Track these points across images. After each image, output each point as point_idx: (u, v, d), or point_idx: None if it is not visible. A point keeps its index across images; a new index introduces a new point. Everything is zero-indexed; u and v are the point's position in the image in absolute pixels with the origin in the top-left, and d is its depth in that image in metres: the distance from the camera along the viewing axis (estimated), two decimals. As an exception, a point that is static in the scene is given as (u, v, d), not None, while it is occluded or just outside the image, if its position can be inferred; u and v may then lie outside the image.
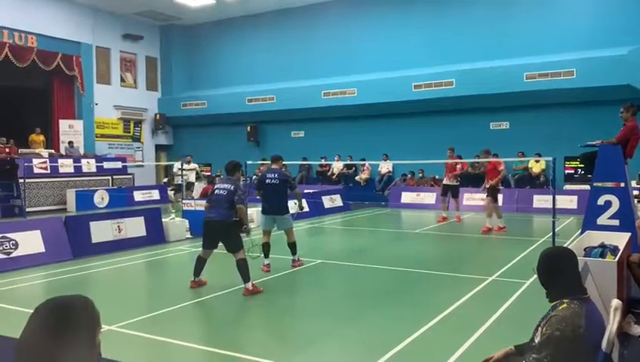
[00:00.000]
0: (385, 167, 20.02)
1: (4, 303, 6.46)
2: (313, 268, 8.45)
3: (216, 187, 7.30)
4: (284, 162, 8.92)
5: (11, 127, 19.28)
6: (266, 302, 6.60)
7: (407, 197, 18.34)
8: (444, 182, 14.07)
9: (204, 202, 11.32)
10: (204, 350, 4.96)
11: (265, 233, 8.33)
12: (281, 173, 8.41)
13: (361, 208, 17.71)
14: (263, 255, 8.16)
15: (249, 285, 6.75)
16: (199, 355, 4.86)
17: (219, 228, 6.91)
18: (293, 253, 8.48)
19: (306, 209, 9.33)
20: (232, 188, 7.00)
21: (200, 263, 7.14)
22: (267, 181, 8.24)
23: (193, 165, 18.45)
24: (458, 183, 14.01)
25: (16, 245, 8.60)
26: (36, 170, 17.17)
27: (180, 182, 17.35)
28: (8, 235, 8.59)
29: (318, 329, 5.49)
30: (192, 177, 18.18)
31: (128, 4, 21.86)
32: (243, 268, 6.77)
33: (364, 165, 20.33)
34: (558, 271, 2.80)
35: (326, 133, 21.82)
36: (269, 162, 8.82)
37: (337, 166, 20.87)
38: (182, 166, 16.46)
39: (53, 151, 19.86)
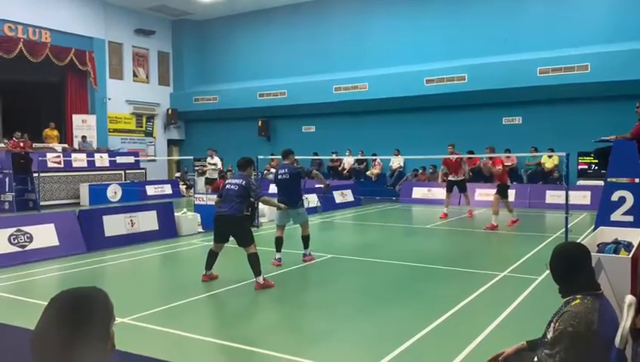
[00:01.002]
0: (396, 162, 19.96)
1: (19, 295, 6.55)
2: (324, 263, 8.47)
3: (227, 182, 7.35)
4: (295, 156, 8.93)
5: (26, 121, 19.51)
6: (277, 296, 6.63)
7: (418, 192, 18.28)
8: (450, 178, 13.93)
9: (214, 196, 11.37)
10: (217, 343, 5.00)
11: (278, 228, 8.37)
12: (291, 167, 8.43)
13: (372, 203, 17.69)
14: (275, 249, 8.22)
15: (260, 279, 6.79)
16: (212, 348, 4.90)
17: (230, 222, 6.95)
18: (305, 246, 8.52)
19: (330, 185, 9.45)
20: (243, 183, 7.05)
21: (212, 257, 7.19)
22: (279, 177, 8.35)
23: (216, 159, 18.41)
24: (464, 178, 13.85)
25: (30, 238, 8.71)
26: (50, 165, 17.33)
27: (214, 177, 17.53)
28: (23, 228, 8.70)
29: (330, 324, 5.51)
30: (214, 174, 18.11)
31: (141, -1, 21.96)
32: (254, 262, 6.81)
33: (375, 160, 20.29)
34: (572, 266, 2.78)
35: (337, 127, 21.79)
36: (279, 157, 8.90)
37: (348, 161, 20.84)
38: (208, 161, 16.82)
39: (66, 145, 20.05)
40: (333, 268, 8.28)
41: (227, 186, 7.15)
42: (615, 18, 16.57)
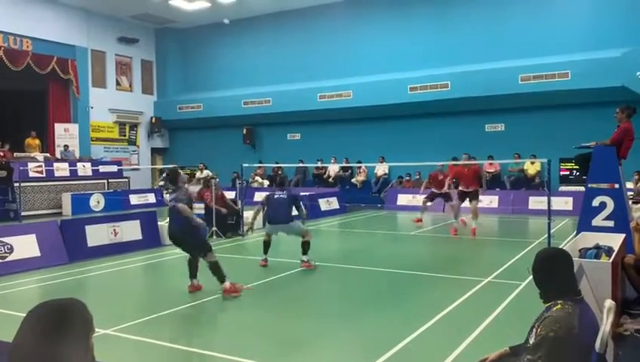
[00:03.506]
0: (381, 169, 20.04)
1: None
2: (309, 271, 8.45)
3: (170, 198, 7.29)
4: (279, 165, 9.16)
5: (7, 130, 19.24)
6: (261, 304, 6.60)
7: (403, 199, 18.35)
8: (460, 188, 12.28)
9: (199, 205, 11.27)
10: (200, 353, 4.96)
11: (267, 234, 8.76)
12: (290, 193, 9.13)
13: (358, 210, 17.70)
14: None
15: (227, 285, 6.80)
16: (195, 358, 4.85)
17: (180, 238, 6.96)
18: (304, 252, 8.61)
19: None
20: (179, 196, 6.95)
21: (191, 266, 7.15)
22: (275, 197, 8.79)
23: (206, 173, 18.42)
24: (478, 189, 12.30)
25: (11, 249, 8.57)
26: (32, 174, 17.10)
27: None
28: (3, 239, 8.56)
29: (314, 331, 5.49)
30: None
31: (123, 7, 21.84)
32: (215, 269, 6.82)
33: (360, 167, 20.35)
34: (553, 272, 2.81)
35: (322, 135, 21.84)
36: (268, 165, 9.21)
37: (333, 168, 20.88)
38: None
39: (48, 154, 19.79)
40: (318, 275, 8.27)
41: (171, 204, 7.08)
42: (595, 26, 16.88)
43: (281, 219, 8.60)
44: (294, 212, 8.85)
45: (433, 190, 13.24)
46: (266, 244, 8.69)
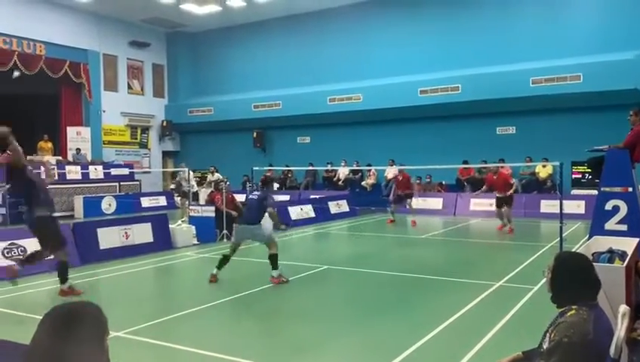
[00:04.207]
0: (391, 172, 19.97)
1: (13, 309, 6.49)
2: (319, 275, 8.44)
3: None
4: (289, 168, 9.11)
5: (20, 134, 19.38)
6: (271, 308, 6.60)
7: (413, 202, 18.25)
8: (497, 195, 13.12)
9: (210, 208, 11.32)
10: (211, 356, 4.96)
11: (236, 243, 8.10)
12: (262, 193, 8.14)
13: (368, 213, 17.68)
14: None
15: (65, 286, 6.95)
16: (205, 361, 4.86)
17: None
18: (273, 266, 7.79)
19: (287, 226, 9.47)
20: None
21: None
22: (250, 197, 8.74)
23: (217, 176, 18.48)
24: (511, 193, 13.24)
25: (24, 251, 8.65)
26: (44, 177, 17.23)
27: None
28: (17, 242, 8.65)
29: (324, 335, 5.49)
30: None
31: (135, 11, 22.01)
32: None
33: (370, 170, 20.31)
34: (571, 277, 2.78)
35: (332, 138, 21.84)
36: (279, 168, 9.13)
37: (343, 171, 20.86)
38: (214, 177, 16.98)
39: (61, 158, 19.98)
40: (328, 279, 8.26)
41: None
42: (607, 28, 16.75)
43: (249, 220, 7.81)
44: (269, 220, 8.03)
45: (497, 195, 13.25)
46: (226, 258, 7.81)
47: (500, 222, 13.32)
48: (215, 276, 7.72)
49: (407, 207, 15.20)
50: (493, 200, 13.40)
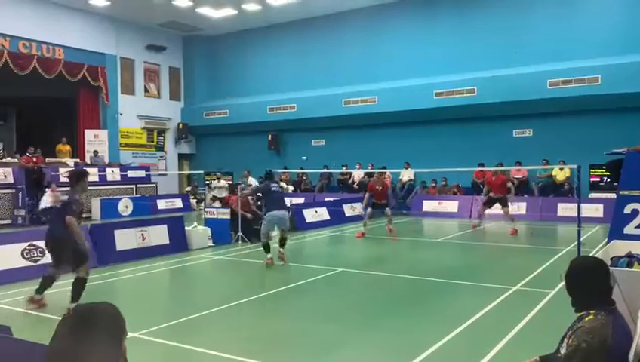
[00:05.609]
0: (406, 175, 19.92)
1: (32, 310, 6.58)
2: (334, 277, 8.44)
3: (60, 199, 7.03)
4: (304, 171, 9.38)
5: (39, 136, 19.74)
6: (286, 310, 6.61)
7: (428, 205, 18.20)
8: (491, 195, 13.44)
9: (225, 210, 11.39)
10: (227, 357, 4.98)
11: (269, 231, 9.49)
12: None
13: (382, 216, 17.59)
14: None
15: (38, 296, 6.62)
16: (221, 363, 4.89)
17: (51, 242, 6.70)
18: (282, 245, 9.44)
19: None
20: (66, 199, 6.61)
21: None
22: (273, 188, 9.62)
23: (251, 179, 18.43)
24: (506, 194, 13.46)
25: (43, 253, 8.75)
26: (62, 179, 17.46)
27: (222, 195, 17.69)
28: (36, 243, 8.75)
29: (340, 337, 5.48)
30: (223, 192, 18.31)
31: (151, 15, 22.23)
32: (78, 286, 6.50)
33: (385, 173, 20.22)
34: (589, 281, 2.75)
35: (347, 141, 21.83)
36: (292, 171, 9.65)
37: (358, 174, 20.82)
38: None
39: (78, 160, 20.22)
40: (342, 282, 8.25)
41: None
42: (625, 30, 16.53)
43: (282, 207, 9.35)
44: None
45: (491, 195, 13.54)
46: (267, 245, 9.20)
47: (477, 222, 14.08)
48: (271, 259, 9.10)
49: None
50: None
